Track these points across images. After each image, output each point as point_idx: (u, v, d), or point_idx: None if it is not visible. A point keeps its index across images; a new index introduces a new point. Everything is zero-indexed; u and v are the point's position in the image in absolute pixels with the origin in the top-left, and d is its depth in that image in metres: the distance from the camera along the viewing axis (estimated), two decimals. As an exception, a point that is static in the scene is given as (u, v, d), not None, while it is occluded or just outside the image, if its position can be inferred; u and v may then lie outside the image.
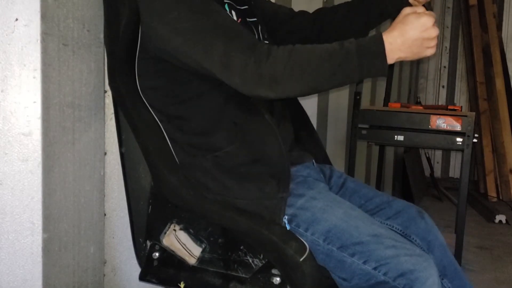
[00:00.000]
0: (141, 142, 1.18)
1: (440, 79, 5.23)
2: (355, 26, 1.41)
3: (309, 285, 1.05)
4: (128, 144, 1.23)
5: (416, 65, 5.08)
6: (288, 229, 1.11)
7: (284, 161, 1.15)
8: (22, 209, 1.12)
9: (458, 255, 2.18)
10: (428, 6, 1.13)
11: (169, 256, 1.20)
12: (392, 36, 1.02)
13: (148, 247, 1.23)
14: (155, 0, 1.08)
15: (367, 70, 1.03)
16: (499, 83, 4.47)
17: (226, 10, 1.20)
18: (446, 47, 5.17)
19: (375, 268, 1.06)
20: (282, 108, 1.30)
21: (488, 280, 2.56)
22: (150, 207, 1.24)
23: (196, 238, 1.18)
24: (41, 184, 1.12)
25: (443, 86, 5.22)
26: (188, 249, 1.18)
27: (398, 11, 1.07)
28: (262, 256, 1.11)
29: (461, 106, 2.74)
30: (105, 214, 1.37)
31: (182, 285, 1.17)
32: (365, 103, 3.09)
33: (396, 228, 1.30)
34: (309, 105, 2.20)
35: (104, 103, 1.33)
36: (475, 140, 2.14)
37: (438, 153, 5.22)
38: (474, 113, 2.30)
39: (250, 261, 1.12)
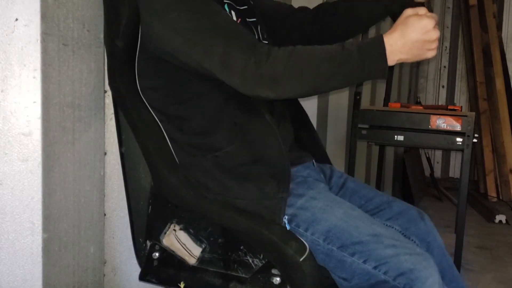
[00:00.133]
0: (141, 142, 1.18)
1: (440, 79, 5.23)
2: (357, 22, 1.41)
3: (309, 285, 1.05)
4: (128, 144, 1.23)
5: (416, 65, 5.08)
6: (288, 229, 1.11)
7: (284, 161, 1.15)
8: (22, 209, 1.12)
9: (458, 255, 2.18)
10: (429, 7, 1.13)
11: (169, 256, 1.20)
12: (393, 38, 1.02)
13: (148, 247, 1.23)
14: (155, 0, 1.08)
15: (367, 71, 1.03)
16: (499, 83, 4.47)
17: (226, 11, 1.20)
18: (446, 47, 5.17)
19: (375, 268, 1.06)
20: (282, 108, 1.30)
21: (488, 280, 2.56)
22: (150, 207, 1.24)
23: (196, 238, 1.18)
24: (41, 184, 1.12)
25: (443, 86, 5.22)
26: (188, 249, 1.18)
27: (401, 9, 1.07)
28: (262, 256, 1.11)
29: (461, 106, 2.73)
30: (105, 214, 1.37)
31: (182, 285, 1.17)
32: (365, 103, 3.09)
33: (395, 229, 1.30)
34: (309, 105, 2.20)
35: (104, 103, 1.33)
36: (475, 140, 2.14)
37: (438, 153, 5.22)
38: (474, 113, 2.30)
39: (250, 261, 1.12)
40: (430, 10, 1.09)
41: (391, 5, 1.35)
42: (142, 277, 1.23)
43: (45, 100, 1.11)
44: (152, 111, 1.18)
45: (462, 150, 2.16)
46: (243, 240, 1.13)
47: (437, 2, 5.04)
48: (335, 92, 2.65)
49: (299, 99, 1.45)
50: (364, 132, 2.30)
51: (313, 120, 2.40)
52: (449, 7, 5.13)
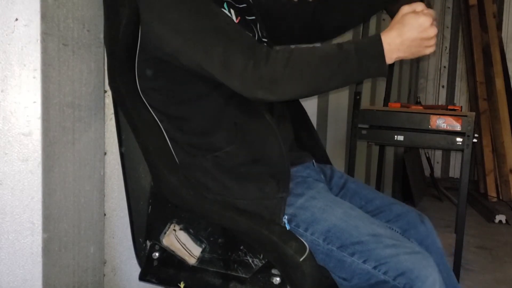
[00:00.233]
0: (141, 142, 1.18)
1: (440, 79, 5.23)
2: (357, 12, 1.41)
3: (309, 285, 1.05)
4: (128, 144, 1.23)
5: (416, 65, 5.08)
6: (288, 229, 1.11)
7: (284, 161, 1.15)
8: (22, 209, 1.12)
9: (458, 255, 2.17)
10: (427, 2, 1.13)
11: (169, 256, 1.20)
12: (391, 37, 1.02)
13: (148, 247, 1.23)
14: (155, 1, 1.08)
15: (366, 71, 1.04)
16: (499, 83, 4.47)
17: (225, 9, 1.20)
18: (446, 47, 5.16)
19: (375, 267, 1.06)
20: (282, 108, 1.30)
21: (488, 280, 2.56)
22: (150, 207, 1.24)
23: (196, 238, 1.18)
24: (41, 184, 1.12)
25: (443, 86, 5.22)
26: (188, 249, 1.18)
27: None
28: (262, 256, 1.11)
29: (461, 106, 2.73)
30: (105, 214, 1.37)
31: (182, 285, 1.17)
32: (365, 103, 3.09)
33: (395, 230, 1.30)
34: (309, 105, 2.20)
35: (104, 103, 1.33)
36: (475, 140, 2.14)
37: (438, 153, 5.21)
38: (474, 113, 2.30)
39: (250, 261, 1.12)
40: (428, 4, 1.09)
41: None
42: (142, 277, 1.23)
43: (45, 100, 1.11)
44: (152, 111, 1.18)
45: (462, 150, 2.16)
46: (243, 240, 1.13)
47: (437, 2, 5.04)
48: (335, 92, 2.65)
49: (300, 99, 1.45)
50: (364, 132, 2.30)
51: (313, 120, 2.39)
52: (449, 7, 5.12)
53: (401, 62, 4.10)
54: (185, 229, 1.19)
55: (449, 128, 2.14)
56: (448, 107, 2.44)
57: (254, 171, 1.15)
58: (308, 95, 1.12)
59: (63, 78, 1.16)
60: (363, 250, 1.07)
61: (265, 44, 1.29)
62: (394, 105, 2.51)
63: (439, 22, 5.05)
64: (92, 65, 1.25)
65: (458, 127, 2.13)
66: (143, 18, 1.09)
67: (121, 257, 1.42)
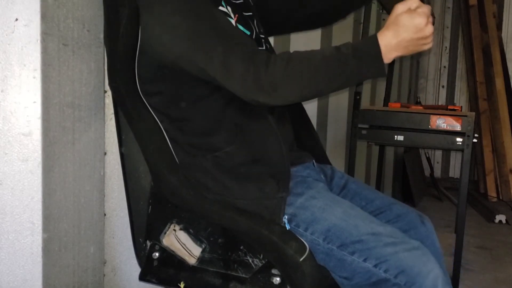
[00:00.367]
0: (141, 142, 1.18)
1: (440, 79, 5.23)
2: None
3: (309, 285, 1.05)
4: (128, 144, 1.23)
5: (416, 65, 5.08)
6: (288, 228, 1.11)
7: (284, 161, 1.15)
8: (22, 209, 1.12)
9: (458, 255, 2.17)
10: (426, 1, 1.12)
11: (169, 256, 1.20)
12: (387, 38, 1.02)
13: (148, 247, 1.23)
14: (155, 5, 1.07)
15: (365, 73, 1.04)
16: (499, 83, 4.47)
17: (223, 6, 1.20)
18: (446, 47, 5.17)
19: (375, 266, 1.06)
20: (282, 108, 1.30)
21: (488, 280, 2.56)
22: (150, 207, 1.24)
23: (196, 238, 1.18)
24: (41, 184, 1.12)
25: (443, 86, 5.22)
26: (188, 249, 1.18)
27: None
28: (262, 256, 1.11)
29: (461, 106, 2.73)
30: (105, 214, 1.37)
31: (182, 285, 1.17)
32: (365, 103, 3.09)
33: None
34: (309, 105, 2.20)
35: (104, 103, 1.33)
36: (475, 140, 2.14)
37: (438, 153, 5.22)
38: (474, 113, 2.30)
39: (250, 261, 1.12)
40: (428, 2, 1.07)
41: None
42: (142, 277, 1.23)
43: (45, 100, 1.11)
44: (152, 111, 1.18)
45: (462, 150, 2.16)
46: (243, 240, 1.13)
47: (437, 2, 5.04)
48: (335, 92, 2.65)
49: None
50: (364, 132, 2.30)
51: (313, 120, 2.39)
52: (449, 7, 5.13)
53: (401, 62, 4.10)
54: (185, 229, 1.19)
55: (449, 128, 2.14)
56: (448, 107, 2.44)
57: (254, 171, 1.15)
58: (308, 99, 1.13)
59: (63, 78, 1.16)
60: (363, 248, 1.07)
61: (262, 40, 1.30)
62: (394, 105, 2.51)
63: (439, 22, 5.05)
64: (92, 65, 1.25)
65: (458, 127, 2.13)
66: (143, 21, 1.09)
67: (121, 257, 1.42)
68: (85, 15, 1.21)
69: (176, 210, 1.20)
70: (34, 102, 1.10)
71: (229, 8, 1.22)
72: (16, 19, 1.07)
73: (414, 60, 4.85)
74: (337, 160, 2.78)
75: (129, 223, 1.27)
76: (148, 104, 1.17)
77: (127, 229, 1.28)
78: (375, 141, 2.93)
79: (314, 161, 1.34)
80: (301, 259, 1.04)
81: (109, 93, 1.31)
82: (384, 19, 3.37)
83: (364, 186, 1.38)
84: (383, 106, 3.08)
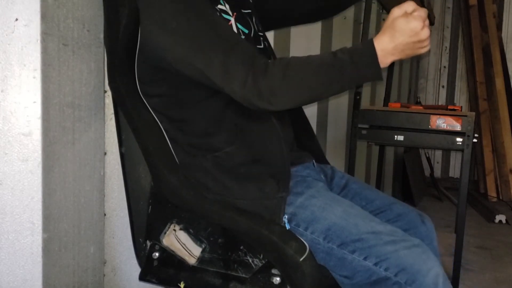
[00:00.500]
0: (141, 142, 1.18)
1: (440, 79, 5.23)
2: None
3: (309, 285, 1.05)
4: (128, 144, 1.23)
5: (416, 65, 5.08)
6: (288, 228, 1.11)
7: (284, 161, 1.15)
8: (22, 209, 1.12)
9: (458, 255, 2.17)
10: (426, 3, 1.11)
11: (169, 256, 1.20)
12: (383, 42, 1.02)
13: (148, 247, 1.23)
14: (155, 8, 1.07)
15: (362, 77, 1.06)
16: (499, 83, 4.47)
17: (221, 4, 1.20)
18: (446, 47, 5.17)
19: (375, 264, 1.06)
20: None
21: (488, 280, 2.56)
22: (150, 207, 1.24)
23: (196, 238, 1.18)
24: (41, 184, 1.12)
25: (443, 86, 5.22)
26: (188, 249, 1.18)
27: None
28: (262, 256, 1.11)
29: (461, 106, 2.73)
30: (105, 214, 1.37)
31: (182, 285, 1.17)
32: (365, 103, 3.09)
33: None
34: (309, 105, 2.20)
35: (104, 103, 1.33)
36: (475, 140, 2.14)
37: (438, 153, 5.22)
38: (474, 113, 2.30)
39: (250, 261, 1.12)
40: (420, 2, 1.07)
41: None
42: (142, 277, 1.23)
43: (45, 100, 1.11)
44: (152, 112, 1.18)
45: (462, 150, 2.16)
46: (243, 240, 1.13)
47: (437, 2, 5.04)
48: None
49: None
50: (364, 132, 2.30)
51: (313, 120, 2.40)
52: (449, 7, 5.13)
53: (401, 62, 4.10)
54: (185, 229, 1.19)
55: (449, 128, 2.14)
56: (448, 107, 2.43)
57: (254, 171, 1.15)
58: (306, 103, 1.14)
59: (63, 78, 1.16)
60: (364, 247, 1.08)
61: (261, 38, 1.30)
62: (394, 105, 2.51)
63: (439, 22, 5.05)
64: (92, 65, 1.25)
65: (458, 127, 2.13)
66: (142, 23, 1.09)
67: (121, 257, 1.42)
68: (85, 15, 1.21)
69: (176, 210, 1.20)
70: (34, 102, 1.10)
71: (227, 5, 1.22)
72: (16, 19, 1.07)
73: (414, 60, 4.85)
74: (337, 160, 2.79)
75: (129, 223, 1.27)
76: (148, 104, 1.17)
77: (127, 229, 1.28)
78: (375, 141, 2.93)
79: (314, 161, 1.34)
80: (301, 259, 1.04)
81: (109, 93, 1.31)
82: (384, 19, 3.37)
83: (364, 186, 1.39)
84: (383, 106, 3.07)
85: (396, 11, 1.03)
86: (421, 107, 2.49)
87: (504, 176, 4.39)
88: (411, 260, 1.05)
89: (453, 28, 5.12)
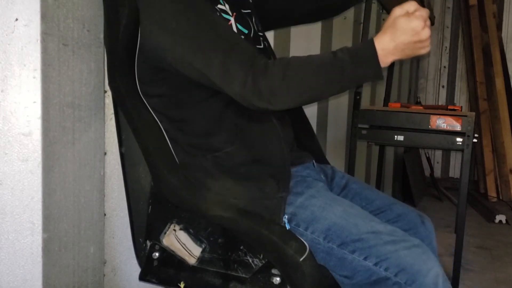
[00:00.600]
0: (141, 142, 1.18)
1: (440, 79, 5.23)
2: None
3: (309, 285, 1.05)
4: (128, 144, 1.23)
5: (416, 65, 5.08)
6: (288, 228, 1.11)
7: (284, 161, 1.15)
8: (22, 209, 1.12)
9: (458, 255, 2.18)
10: (426, 3, 1.12)
11: (169, 256, 1.20)
12: (384, 42, 1.02)
13: (148, 247, 1.23)
14: (155, 8, 1.07)
15: (362, 77, 1.06)
16: (499, 83, 4.47)
17: (221, 3, 1.20)
18: (446, 47, 5.17)
19: (375, 264, 1.06)
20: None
21: (488, 280, 2.56)
22: (150, 207, 1.24)
23: (196, 238, 1.18)
24: (41, 184, 1.12)
25: (443, 86, 5.22)
26: (188, 249, 1.18)
27: None
28: (262, 256, 1.11)
29: (461, 106, 2.73)
30: (105, 214, 1.37)
31: (182, 285, 1.17)
32: (365, 103, 3.09)
33: None
34: (309, 105, 2.20)
35: (104, 103, 1.33)
36: (475, 140, 2.14)
37: (438, 153, 5.22)
38: (474, 113, 2.30)
39: (250, 261, 1.12)
40: (428, 4, 1.07)
41: None
42: (142, 277, 1.23)
43: (45, 100, 1.11)
44: (152, 112, 1.18)
45: (462, 150, 2.16)
46: (243, 240, 1.13)
47: (437, 2, 5.04)
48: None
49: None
50: (364, 132, 2.30)
51: (313, 120, 2.40)
52: (449, 7, 5.13)
53: (401, 62, 4.10)
54: (185, 229, 1.19)
55: (449, 128, 2.14)
56: (448, 107, 2.43)
57: (254, 171, 1.15)
58: (306, 103, 1.14)
59: (63, 78, 1.16)
60: (364, 247, 1.08)
61: (261, 38, 1.30)
62: (394, 105, 2.51)
63: (439, 22, 5.05)
64: (92, 65, 1.25)
65: (458, 127, 2.13)
66: (142, 23, 1.09)
67: (121, 257, 1.42)
68: (85, 15, 1.21)
69: (176, 210, 1.20)
70: (34, 102, 1.10)
71: (227, 5, 1.22)
72: (16, 19, 1.07)
73: (414, 60, 4.85)
74: (337, 160, 2.79)
75: (129, 223, 1.27)
76: (148, 104, 1.17)
77: (127, 229, 1.28)
78: (375, 141, 2.93)
79: (314, 161, 1.34)
80: (301, 259, 1.04)
81: (109, 93, 1.31)
82: (384, 19, 3.37)
83: (364, 186, 1.39)
84: (383, 106, 3.08)
85: (398, 11, 1.03)
86: (421, 107, 2.49)
87: (504, 176, 4.39)
88: (411, 260, 1.05)
89: (453, 28, 5.12)
